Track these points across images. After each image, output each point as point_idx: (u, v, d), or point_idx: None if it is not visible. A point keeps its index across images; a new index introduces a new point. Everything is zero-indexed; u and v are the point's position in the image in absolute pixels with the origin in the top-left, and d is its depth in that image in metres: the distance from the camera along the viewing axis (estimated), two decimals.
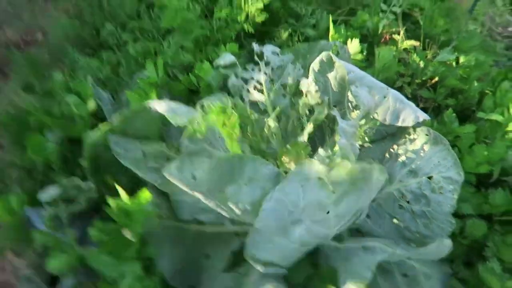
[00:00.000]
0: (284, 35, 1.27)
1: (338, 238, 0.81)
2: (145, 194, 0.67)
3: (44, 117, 1.01)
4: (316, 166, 0.61)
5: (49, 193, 0.91)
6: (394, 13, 1.22)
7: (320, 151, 0.73)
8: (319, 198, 0.64)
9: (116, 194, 0.77)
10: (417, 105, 0.98)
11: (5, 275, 0.97)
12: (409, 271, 0.87)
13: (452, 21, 1.25)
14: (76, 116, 1.00)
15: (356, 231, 0.87)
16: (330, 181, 0.61)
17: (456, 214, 0.95)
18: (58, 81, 1.11)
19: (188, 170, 0.65)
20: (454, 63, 1.22)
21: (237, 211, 0.71)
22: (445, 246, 0.68)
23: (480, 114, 1.10)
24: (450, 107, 1.15)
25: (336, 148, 0.69)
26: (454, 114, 1.04)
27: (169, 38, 1.21)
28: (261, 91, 0.91)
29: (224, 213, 0.76)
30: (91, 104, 0.98)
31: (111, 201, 0.67)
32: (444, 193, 0.81)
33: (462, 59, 1.22)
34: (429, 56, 1.19)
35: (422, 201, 0.84)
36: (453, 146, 0.96)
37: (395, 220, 0.87)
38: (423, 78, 1.19)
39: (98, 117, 1.06)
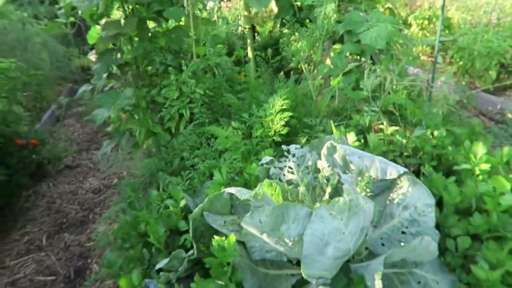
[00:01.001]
0: (303, 140, 1.79)
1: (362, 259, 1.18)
2: (232, 238, 1.10)
3: (149, 217, 1.50)
4: (325, 206, 1.04)
5: (163, 262, 1.34)
6: (376, 111, 1.73)
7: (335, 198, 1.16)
8: (335, 226, 1.05)
9: (209, 253, 1.20)
10: (410, 171, 1.41)
11: None
12: (421, 279, 1.19)
13: (419, 109, 1.75)
14: (172, 213, 1.47)
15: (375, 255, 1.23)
16: (335, 212, 1.03)
17: (449, 236, 1.30)
18: (154, 195, 1.63)
19: (256, 217, 1.09)
20: (430, 136, 1.67)
21: (289, 243, 1.12)
22: (426, 241, 1.04)
23: (455, 167, 1.51)
24: (435, 168, 1.56)
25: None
26: (431, 168, 1.45)
27: (224, 156, 1.75)
28: (292, 173, 1.38)
29: (281, 249, 1.16)
30: (182, 203, 1.47)
31: (214, 241, 1.10)
32: (427, 214, 1.19)
33: (435, 133, 1.68)
34: (408, 135, 1.66)
35: (415, 224, 1.21)
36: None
37: (402, 243, 1.23)
38: (409, 151, 1.63)
39: (186, 212, 1.54)
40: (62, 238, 2.45)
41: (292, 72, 2.82)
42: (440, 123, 1.72)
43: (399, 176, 1.29)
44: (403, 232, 1.24)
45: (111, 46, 2.32)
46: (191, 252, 1.32)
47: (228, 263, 1.11)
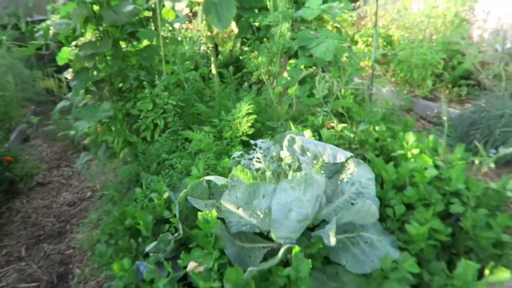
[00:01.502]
0: (267, 140, 2.06)
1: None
2: (214, 213, 1.34)
3: (136, 211, 1.69)
4: (286, 180, 1.30)
5: (151, 245, 1.54)
6: (328, 112, 2.04)
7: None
8: (295, 195, 1.31)
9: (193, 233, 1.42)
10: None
11: None
12: (368, 240, 1.48)
13: (363, 109, 2.08)
14: (157, 205, 1.68)
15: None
16: (295, 184, 1.30)
17: (389, 206, 1.60)
18: (138, 191, 1.82)
19: (233, 194, 1.33)
20: (372, 131, 2.00)
21: (261, 215, 1.37)
22: (368, 204, 1.33)
23: (393, 154, 1.83)
24: (377, 156, 1.88)
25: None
26: (373, 155, 1.77)
27: (199, 156, 1.98)
28: (259, 163, 1.64)
29: (254, 221, 1.41)
30: (165, 195, 1.68)
31: (199, 215, 1.32)
32: (369, 186, 1.48)
33: (377, 128, 2.01)
34: (354, 130, 1.97)
35: (360, 196, 1.50)
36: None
37: None
38: (356, 143, 1.95)
39: (168, 204, 1.75)
40: (41, 248, 2.55)
41: (253, 85, 3.11)
42: (380, 120, 2.06)
43: (347, 160, 1.59)
44: (352, 204, 1.52)
45: (86, 64, 2.51)
46: (177, 234, 1.54)
47: (211, 234, 1.34)
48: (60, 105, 2.53)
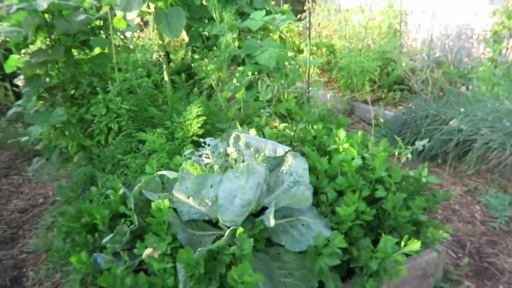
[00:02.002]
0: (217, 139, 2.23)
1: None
2: (166, 202, 1.49)
3: (90, 208, 1.79)
4: (231, 171, 1.49)
5: (108, 238, 1.65)
6: (271, 113, 2.26)
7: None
8: (239, 183, 1.50)
9: (147, 224, 1.57)
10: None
11: None
12: (304, 222, 1.69)
13: (303, 110, 2.32)
14: (113, 201, 1.79)
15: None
16: (238, 174, 1.48)
17: (323, 193, 1.83)
18: (94, 190, 1.92)
19: (184, 184, 1.49)
20: (310, 129, 2.23)
21: (209, 203, 1.54)
22: (301, 189, 1.54)
23: (328, 149, 2.07)
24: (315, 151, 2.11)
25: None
26: (309, 149, 2.00)
27: (153, 156, 2.12)
28: (208, 158, 1.81)
29: (203, 210, 1.57)
30: (121, 192, 1.81)
31: (153, 204, 1.47)
32: (304, 175, 1.70)
33: (315, 127, 2.25)
34: (294, 129, 2.20)
35: (297, 184, 1.71)
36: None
37: None
38: (296, 141, 2.17)
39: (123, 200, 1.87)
40: None
41: (204, 91, 3.28)
42: (318, 120, 2.30)
43: (286, 153, 1.80)
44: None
45: (38, 71, 2.56)
46: (132, 225, 1.67)
47: (164, 221, 1.49)
48: (11, 111, 2.56)
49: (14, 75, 5.13)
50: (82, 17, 2.35)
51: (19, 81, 2.61)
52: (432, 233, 1.90)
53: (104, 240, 1.66)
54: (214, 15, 2.59)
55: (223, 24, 2.52)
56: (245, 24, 2.84)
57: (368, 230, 1.93)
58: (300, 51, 5.21)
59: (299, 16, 6.42)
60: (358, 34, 4.89)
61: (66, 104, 2.55)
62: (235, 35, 2.92)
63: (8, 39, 2.48)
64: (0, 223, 2.86)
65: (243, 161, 1.75)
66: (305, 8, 6.46)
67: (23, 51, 2.71)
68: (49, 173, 2.91)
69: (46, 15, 2.34)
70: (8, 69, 2.87)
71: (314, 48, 5.11)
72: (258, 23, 2.73)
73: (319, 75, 5.44)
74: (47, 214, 2.51)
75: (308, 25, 6.12)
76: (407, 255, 1.95)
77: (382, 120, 4.07)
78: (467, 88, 3.45)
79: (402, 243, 1.64)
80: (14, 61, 2.83)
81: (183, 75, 3.97)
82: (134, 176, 2.03)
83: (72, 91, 2.62)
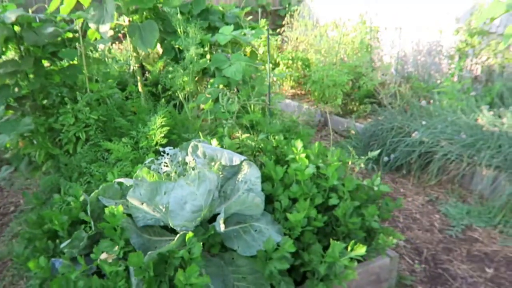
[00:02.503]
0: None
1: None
2: (120, 207, 1.55)
3: (51, 213, 1.84)
4: (183, 178, 1.56)
5: (66, 243, 1.70)
6: (232, 124, 2.35)
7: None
8: (190, 190, 1.57)
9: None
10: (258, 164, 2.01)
11: None
12: (257, 228, 1.77)
13: (265, 120, 2.42)
14: (73, 208, 1.85)
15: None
16: (189, 181, 1.56)
17: (278, 200, 1.91)
18: (56, 197, 1.97)
19: (137, 191, 1.56)
20: (272, 139, 2.32)
21: (163, 210, 1.61)
22: (251, 196, 1.62)
23: (287, 159, 2.16)
24: (276, 161, 2.20)
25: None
26: (266, 158, 2.08)
27: (118, 164, 2.18)
28: (167, 167, 1.88)
29: (158, 215, 1.64)
30: (81, 198, 1.86)
31: (106, 209, 1.53)
32: (256, 183, 1.78)
33: (276, 137, 2.34)
34: (255, 139, 2.29)
35: (251, 191, 1.79)
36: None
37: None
38: (257, 150, 2.26)
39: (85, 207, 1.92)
40: None
41: (172, 102, 3.36)
42: (279, 131, 2.40)
43: (241, 162, 1.88)
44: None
45: (7, 81, 2.61)
46: (90, 231, 1.72)
47: (118, 226, 1.55)
48: None
49: None
50: (51, 29, 2.42)
51: None
52: (383, 239, 1.99)
53: (62, 245, 1.70)
54: (178, 30, 2.69)
55: (189, 39, 2.62)
56: (214, 38, 2.95)
57: (323, 237, 2.01)
58: (277, 64, 5.34)
59: (278, 30, 6.59)
60: (332, 48, 5.05)
61: (35, 113, 2.60)
62: (206, 49, 3.03)
63: None
64: None
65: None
66: (284, 23, 6.64)
67: None
68: (17, 181, 2.93)
69: (16, 27, 2.40)
70: None
71: (290, 61, 5.25)
72: (226, 37, 2.84)
73: (295, 88, 5.57)
74: (13, 222, 2.53)
75: (285, 39, 6.27)
76: (360, 261, 2.05)
77: (353, 132, 4.20)
78: (428, 102, 3.60)
79: (349, 248, 1.73)
80: None
81: (160, 86, 4.05)
82: (97, 184, 2.09)
83: (43, 101, 2.67)
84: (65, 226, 1.79)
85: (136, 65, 3.55)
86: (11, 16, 2.24)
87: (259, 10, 6.59)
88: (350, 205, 1.93)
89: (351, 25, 5.25)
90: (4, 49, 2.44)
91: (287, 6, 7.34)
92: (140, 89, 3.55)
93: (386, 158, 3.47)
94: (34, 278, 1.74)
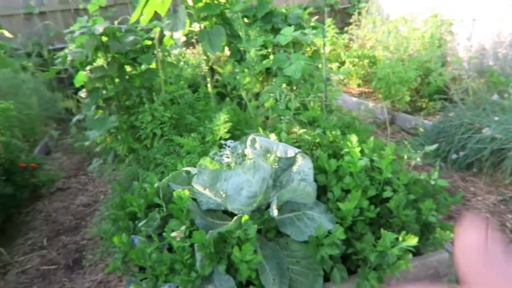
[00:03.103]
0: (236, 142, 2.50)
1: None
2: (186, 192, 1.77)
3: (131, 198, 2.13)
4: (239, 166, 1.73)
5: (142, 223, 1.97)
6: (291, 120, 2.48)
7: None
8: (246, 178, 1.74)
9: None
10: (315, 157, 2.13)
11: None
12: (310, 216, 1.88)
13: (322, 116, 2.51)
14: (149, 193, 2.12)
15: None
16: (246, 169, 1.72)
17: (331, 191, 2.00)
18: (135, 184, 2.27)
19: (201, 177, 1.76)
20: (329, 134, 2.41)
21: (223, 195, 1.79)
22: (303, 184, 1.74)
23: (342, 152, 2.24)
24: (331, 155, 2.29)
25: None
26: (321, 152, 2.18)
27: (188, 156, 2.42)
28: (228, 158, 2.07)
29: (219, 200, 1.83)
30: (156, 185, 2.13)
31: (175, 193, 1.76)
32: (308, 174, 1.90)
33: (332, 132, 2.43)
34: (312, 134, 2.39)
35: (303, 181, 1.91)
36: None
37: None
38: (313, 144, 2.36)
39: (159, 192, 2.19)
40: (60, 239, 3.01)
41: (242, 101, 3.57)
42: (336, 126, 2.48)
43: (296, 154, 2.01)
44: None
45: (97, 85, 3.01)
46: (162, 213, 1.97)
47: (184, 208, 1.77)
48: (74, 119, 3.04)
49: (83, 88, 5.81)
50: (131, 38, 2.76)
51: (83, 93, 3.08)
52: (440, 233, 1.99)
53: (140, 224, 1.98)
54: (240, 33, 2.88)
55: (250, 41, 2.80)
56: (276, 40, 3.10)
57: (377, 229, 2.06)
58: (343, 63, 5.34)
59: (346, 28, 6.56)
60: (401, 44, 4.94)
61: (119, 112, 2.97)
62: (269, 50, 3.19)
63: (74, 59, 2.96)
64: (67, 215, 3.35)
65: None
66: (351, 21, 6.60)
67: (87, 67, 3.21)
68: (105, 172, 3.35)
69: (103, 38, 2.78)
70: (77, 84, 3.38)
71: (356, 59, 5.23)
72: (287, 38, 2.97)
73: (362, 86, 5.53)
74: (102, 207, 2.92)
75: (353, 38, 6.22)
76: (417, 254, 2.07)
77: (421, 129, 4.08)
78: (502, 97, 3.39)
79: (400, 238, 1.77)
80: (82, 77, 3.33)
81: (228, 87, 4.32)
82: (169, 173, 2.35)
83: (125, 102, 3.04)
84: (142, 208, 2.06)
85: (206, 68, 3.83)
86: (99, 28, 2.61)
87: (327, 9, 6.62)
88: (404, 198, 1.96)
89: (421, 19, 5.07)
90: (94, 57, 2.83)
91: (356, 3, 7.26)
92: (209, 90, 3.83)
93: (454, 156, 3.35)
94: (118, 251, 2.04)
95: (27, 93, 4.57)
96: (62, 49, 6.23)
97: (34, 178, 3.43)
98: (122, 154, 2.88)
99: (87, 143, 3.20)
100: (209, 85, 3.85)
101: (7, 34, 3.12)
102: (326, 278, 1.87)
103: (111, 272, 2.13)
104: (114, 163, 3.03)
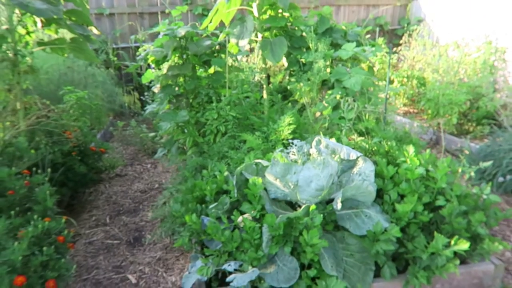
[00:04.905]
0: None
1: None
2: (260, 180, 1.99)
3: (202, 183, 2.37)
4: (310, 162, 1.93)
5: (213, 205, 2.20)
6: (350, 128, 2.66)
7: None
8: (315, 172, 1.93)
9: (243, 198, 2.08)
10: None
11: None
12: (367, 214, 2.05)
13: (379, 127, 2.68)
14: (218, 180, 2.35)
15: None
16: (316, 165, 1.92)
17: (387, 194, 2.16)
18: (205, 172, 2.52)
19: (274, 168, 1.98)
20: (384, 144, 2.58)
21: (292, 186, 2.00)
22: (366, 183, 1.92)
23: (397, 161, 2.40)
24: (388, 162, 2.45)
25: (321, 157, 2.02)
26: (379, 158, 2.35)
27: (251, 152, 2.65)
28: (294, 155, 2.28)
29: (286, 191, 2.04)
30: (225, 173, 2.36)
31: (250, 180, 1.98)
32: (369, 175, 2.07)
33: (388, 142, 2.59)
34: (369, 142, 2.56)
35: (365, 181, 2.08)
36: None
37: None
38: (370, 152, 2.54)
39: (226, 181, 2.42)
40: (121, 219, 3.29)
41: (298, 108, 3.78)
42: (392, 137, 2.64)
43: (357, 158, 2.20)
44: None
45: (170, 82, 3.31)
46: (232, 198, 2.20)
47: (257, 193, 1.98)
48: (148, 110, 3.34)
49: (142, 87, 6.21)
50: (208, 42, 3.05)
51: (155, 89, 3.39)
52: (488, 245, 2.11)
53: (210, 207, 2.21)
54: (310, 45, 3.11)
55: (317, 53, 3.02)
56: (337, 54, 3.31)
57: (427, 234, 2.20)
58: (391, 82, 5.48)
59: (394, 49, 6.69)
60: (451, 68, 5.03)
61: (187, 108, 3.25)
62: (327, 63, 3.40)
63: (152, 57, 3.28)
64: (126, 198, 3.65)
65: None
66: (400, 42, 6.72)
67: (152, 66, 3.53)
68: (162, 167, 3.63)
69: (181, 40, 3.08)
70: (144, 80, 3.71)
71: (405, 79, 5.35)
72: (348, 53, 3.18)
73: (407, 106, 5.63)
74: (165, 190, 3.19)
75: (401, 58, 6.35)
76: (464, 263, 2.19)
77: (467, 151, 4.15)
78: None
79: (452, 242, 1.91)
80: (150, 75, 3.66)
81: (279, 95, 4.56)
82: (234, 166, 2.58)
83: (194, 100, 3.32)
84: (213, 193, 2.30)
85: (264, 75, 4.08)
86: (181, 31, 2.91)
87: (377, 29, 6.78)
88: (455, 206, 2.10)
89: (474, 45, 5.15)
90: (173, 57, 3.13)
91: (405, 25, 7.39)
92: (265, 96, 4.07)
93: (501, 179, 3.41)
94: (186, 230, 2.28)
95: (94, 85, 4.98)
96: (124, 48, 6.69)
97: (101, 162, 3.76)
98: (188, 146, 3.14)
99: (151, 134, 3.49)
100: (264, 91, 4.09)
101: (95, 31, 3.49)
102: (375, 274, 2.03)
103: (179, 246, 2.36)
104: (176, 154, 3.30)
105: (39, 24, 2.95)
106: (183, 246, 2.27)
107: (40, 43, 2.89)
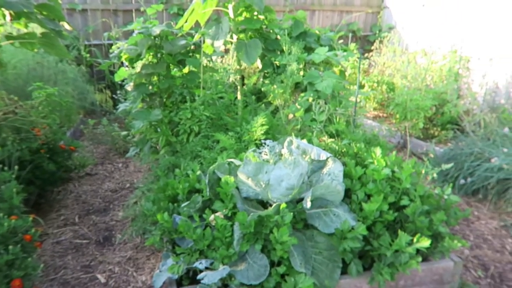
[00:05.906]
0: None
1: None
2: (232, 179, 2.02)
3: (174, 182, 2.38)
4: (281, 162, 1.98)
5: (185, 204, 2.21)
6: (320, 129, 2.74)
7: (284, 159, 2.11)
8: (286, 172, 1.99)
9: (216, 197, 2.10)
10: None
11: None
12: (336, 213, 2.12)
13: (349, 130, 2.77)
14: (191, 179, 2.37)
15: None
16: (287, 164, 1.98)
17: (355, 194, 2.24)
18: (178, 171, 2.53)
19: (246, 168, 2.01)
20: (353, 145, 2.66)
21: (263, 185, 2.04)
22: (334, 183, 1.98)
23: (365, 163, 2.49)
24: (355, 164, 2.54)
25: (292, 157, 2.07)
26: (348, 159, 2.43)
27: (223, 152, 2.68)
28: (266, 155, 2.32)
29: (258, 190, 2.08)
30: (198, 172, 2.38)
31: (223, 178, 2.01)
32: (338, 176, 2.15)
33: (357, 144, 2.68)
34: (339, 143, 2.65)
35: (334, 181, 2.15)
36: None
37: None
38: (339, 153, 2.62)
39: (199, 180, 2.43)
40: (91, 218, 3.24)
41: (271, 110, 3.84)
42: (360, 140, 2.73)
43: (327, 158, 2.26)
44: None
45: (144, 80, 3.30)
46: (204, 197, 2.22)
47: (229, 192, 2.02)
48: (121, 108, 3.31)
49: (114, 85, 6.11)
50: (183, 42, 3.05)
51: (128, 87, 3.36)
52: (448, 242, 2.22)
53: (182, 205, 2.22)
54: (284, 48, 3.17)
55: (291, 56, 3.09)
56: (310, 57, 3.39)
57: (392, 233, 2.29)
58: (362, 86, 5.63)
59: (366, 55, 6.88)
60: (419, 75, 5.22)
61: (160, 107, 3.24)
62: (301, 66, 3.48)
63: (125, 55, 3.26)
64: (96, 198, 3.59)
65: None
66: (372, 48, 6.92)
67: (138, 64, 3.50)
68: (134, 166, 3.60)
69: (156, 39, 3.07)
70: (117, 78, 3.67)
71: (375, 84, 5.52)
72: (321, 57, 3.26)
73: (377, 110, 5.80)
74: (137, 190, 3.16)
75: (372, 64, 6.54)
76: (425, 260, 2.29)
77: (431, 155, 4.33)
78: None
79: (414, 240, 2.01)
80: (123, 73, 3.62)
81: (253, 97, 4.61)
82: (207, 165, 2.60)
83: (167, 99, 3.32)
84: (185, 191, 2.31)
85: (238, 77, 4.12)
86: (156, 30, 2.90)
87: (350, 34, 6.96)
88: (420, 206, 2.20)
89: (441, 54, 5.38)
90: (147, 55, 3.12)
91: (377, 32, 7.61)
92: (239, 97, 4.11)
93: (462, 181, 3.59)
94: (157, 229, 2.28)
95: (65, 82, 4.87)
96: (97, 45, 6.56)
97: (70, 161, 3.69)
98: (161, 145, 3.13)
99: (123, 133, 3.46)
100: (238, 92, 4.13)
101: (67, 26, 3.41)
102: (343, 271, 2.10)
103: (150, 245, 2.36)
104: (149, 154, 3.29)
105: (8, 18, 2.88)
106: (154, 245, 2.28)
107: (9, 36, 2.81)
